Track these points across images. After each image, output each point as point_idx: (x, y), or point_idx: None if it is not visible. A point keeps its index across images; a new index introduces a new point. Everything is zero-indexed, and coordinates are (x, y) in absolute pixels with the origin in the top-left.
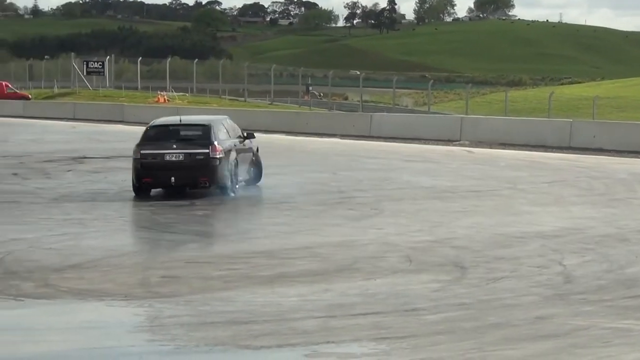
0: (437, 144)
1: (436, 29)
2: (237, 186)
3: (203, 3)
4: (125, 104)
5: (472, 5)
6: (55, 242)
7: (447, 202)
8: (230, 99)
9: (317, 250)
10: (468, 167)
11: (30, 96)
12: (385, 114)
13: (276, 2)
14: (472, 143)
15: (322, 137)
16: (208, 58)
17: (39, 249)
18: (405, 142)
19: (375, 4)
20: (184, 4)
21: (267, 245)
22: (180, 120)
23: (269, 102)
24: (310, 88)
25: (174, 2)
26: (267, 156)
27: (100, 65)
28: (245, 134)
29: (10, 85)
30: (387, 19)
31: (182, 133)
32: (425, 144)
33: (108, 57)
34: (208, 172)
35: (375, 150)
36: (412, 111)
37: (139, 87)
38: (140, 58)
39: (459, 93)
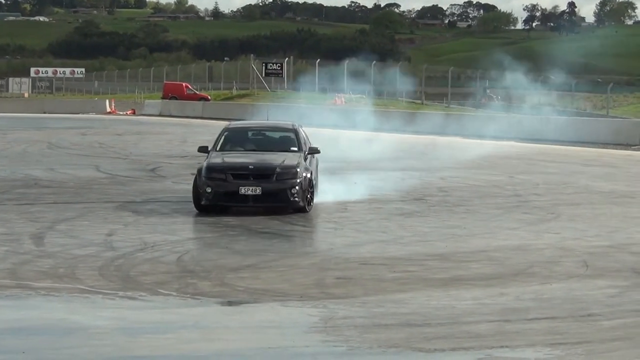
0: (616, 148)
1: (616, 31)
2: None
3: (382, 5)
4: (303, 105)
5: None
6: (231, 242)
7: (625, 207)
8: (407, 101)
9: (493, 253)
10: None
11: (209, 97)
12: (562, 117)
13: (455, 4)
14: None
15: (499, 141)
16: (386, 60)
17: (216, 248)
18: (583, 147)
19: (555, 7)
20: (363, 6)
21: (442, 248)
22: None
23: (446, 105)
24: (488, 91)
25: (352, 4)
26: (443, 158)
27: (278, 67)
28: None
29: (190, 87)
30: (566, 21)
31: None
32: (603, 148)
33: (287, 58)
34: None
35: (553, 154)
36: (590, 115)
37: (317, 88)
38: (319, 60)
39: None
